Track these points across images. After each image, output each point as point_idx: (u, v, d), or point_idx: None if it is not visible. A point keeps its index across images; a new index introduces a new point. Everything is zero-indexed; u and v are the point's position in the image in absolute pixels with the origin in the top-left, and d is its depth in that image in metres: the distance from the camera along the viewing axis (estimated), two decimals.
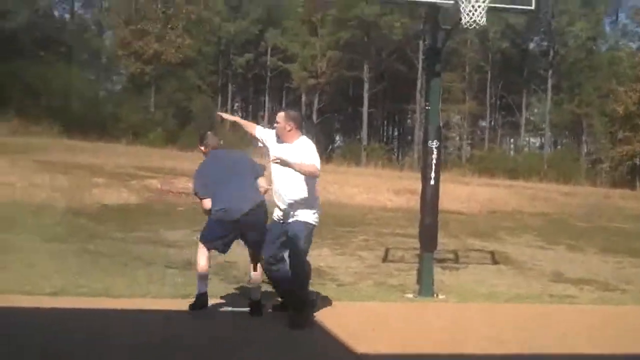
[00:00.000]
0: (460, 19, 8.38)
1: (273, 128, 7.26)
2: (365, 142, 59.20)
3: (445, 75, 55.19)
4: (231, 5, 62.02)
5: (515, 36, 65.14)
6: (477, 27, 8.48)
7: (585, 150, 67.64)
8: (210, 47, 59.64)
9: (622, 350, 6.46)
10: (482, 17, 8.38)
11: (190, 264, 10.07)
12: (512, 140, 74.33)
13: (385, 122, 74.78)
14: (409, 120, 70.31)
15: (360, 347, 5.93)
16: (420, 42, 55.28)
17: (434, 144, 8.81)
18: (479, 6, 8.31)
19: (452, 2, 8.47)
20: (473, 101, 64.06)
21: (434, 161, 8.80)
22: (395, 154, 66.15)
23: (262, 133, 7.41)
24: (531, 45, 68.42)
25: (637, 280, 11.37)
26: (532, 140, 73.25)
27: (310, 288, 7.28)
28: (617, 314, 8.39)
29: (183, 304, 7.00)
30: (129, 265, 9.63)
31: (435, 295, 8.67)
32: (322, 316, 6.96)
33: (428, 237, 8.86)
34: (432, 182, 8.80)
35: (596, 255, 14.41)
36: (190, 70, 54.52)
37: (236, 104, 72.95)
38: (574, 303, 8.99)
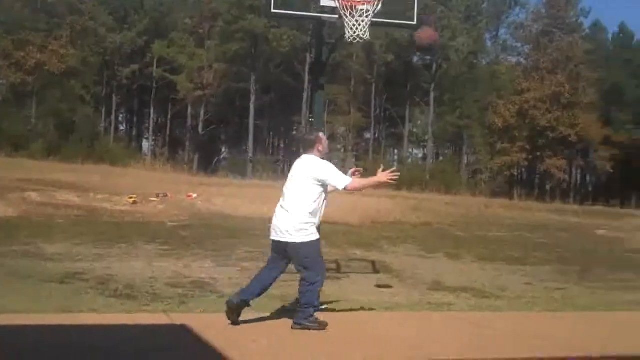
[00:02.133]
0: (345, 33, 8.56)
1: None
2: (251, 154, 59.21)
3: (331, 88, 56.10)
4: (117, 16, 61.09)
5: (399, 50, 66.31)
6: (361, 41, 8.70)
7: (466, 161, 69.54)
8: (95, 58, 58.54)
9: (488, 355, 6.69)
10: (365, 32, 8.58)
11: (69, 276, 9.93)
12: (395, 151, 75.74)
13: (272, 134, 75.00)
14: (295, 132, 70.66)
15: (241, 359, 5.95)
16: (308, 55, 55.70)
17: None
18: (362, 21, 8.52)
19: (336, 16, 8.62)
20: (358, 113, 64.96)
21: None
22: (282, 166, 66.34)
23: None
24: (415, 59, 69.81)
25: (512, 287, 11.80)
26: (415, 151, 74.72)
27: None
28: (489, 319, 8.66)
29: (55, 319, 6.85)
30: (2, 280, 9.37)
31: None
32: (203, 327, 6.95)
33: None
34: None
35: (474, 263, 14.86)
36: (74, 81, 53.40)
37: (121, 115, 71.85)
38: (451, 310, 9.25)
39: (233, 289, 9.88)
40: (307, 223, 7.15)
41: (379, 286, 10.85)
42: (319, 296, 7.31)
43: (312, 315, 7.20)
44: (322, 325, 7.21)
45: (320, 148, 7.45)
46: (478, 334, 7.61)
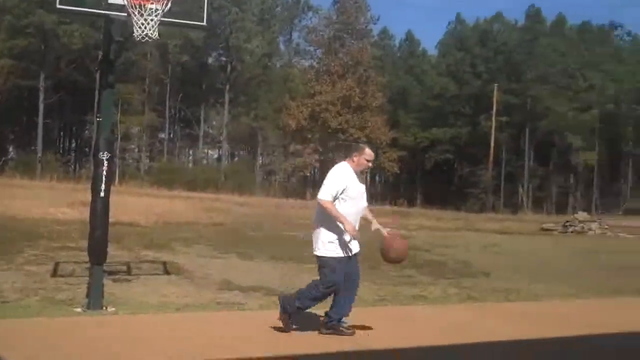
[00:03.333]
0: (133, 32, 8.45)
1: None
2: (40, 154, 56.95)
3: (125, 87, 54.99)
4: None
5: (194, 50, 66.15)
6: (150, 40, 8.60)
7: (260, 162, 70.37)
8: None
9: (279, 352, 6.85)
10: (154, 31, 8.50)
11: None
12: (190, 152, 75.44)
13: (62, 134, 72.57)
14: (87, 132, 68.79)
15: None
16: (100, 53, 54.25)
17: (104, 156, 8.75)
18: (151, 20, 8.43)
19: (125, 14, 8.49)
20: (152, 113, 64.15)
21: (105, 173, 8.75)
22: (72, 166, 64.36)
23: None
24: (210, 60, 69.85)
25: (300, 285, 12.07)
26: (210, 152, 74.79)
27: None
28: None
29: None
30: None
31: (104, 308, 8.62)
32: None
33: (97, 249, 8.78)
34: (102, 194, 8.73)
35: (266, 262, 15.06)
36: None
37: None
38: (241, 310, 9.35)
39: (17, 294, 9.51)
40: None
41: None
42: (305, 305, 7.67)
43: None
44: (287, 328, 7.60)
45: (355, 159, 7.58)
46: (266, 331, 7.75)
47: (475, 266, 16.77)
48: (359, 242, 7.61)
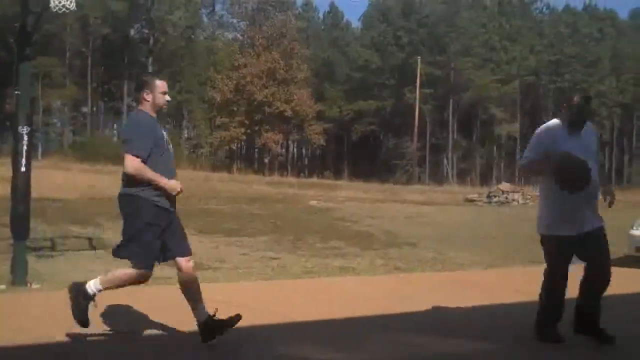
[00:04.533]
0: (50, 3, 8.28)
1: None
2: None
3: (46, 60, 53.71)
4: None
5: (116, 23, 64.94)
6: (67, 11, 8.44)
7: (187, 135, 69.78)
8: None
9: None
10: (71, 2, 8.34)
11: None
12: (115, 126, 74.29)
13: None
14: (8, 106, 67.03)
15: None
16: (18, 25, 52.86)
17: (24, 130, 8.58)
18: None
19: None
20: (74, 86, 62.90)
21: (25, 147, 8.59)
22: None
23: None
24: (132, 32, 68.71)
25: (229, 259, 12.08)
26: None
27: None
28: (208, 290, 8.81)
29: None
30: None
31: (29, 284, 8.48)
32: None
33: (20, 225, 8.64)
34: (24, 169, 8.57)
35: (193, 236, 14.93)
36: None
37: None
38: (168, 284, 9.30)
39: None
40: None
41: None
42: None
43: None
44: None
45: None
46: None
47: (401, 237, 17.01)
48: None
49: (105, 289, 5.89)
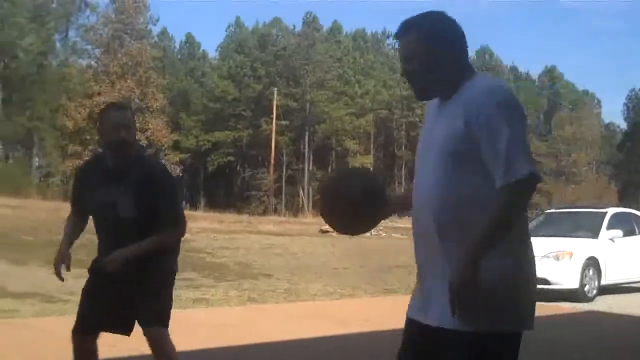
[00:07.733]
0: None
1: None
2: None
3: None
4: None
5: None
6: None
7: (37, 163, 67.60)
8: None
9: None
10: None
11: None
12: None
13: None
14: None
15: None
16: None
17: None
18: None
19: None
20: None
21: None
22: None
23: None
24: None
25: (78, 291, 11.81)
26: None
27: None
28: (55, 323, 8.63)
29: None
30: None
31: None
32: None
33: None
34: None
35: (41, 268, 14.55)
36: None
37: None
38: (15, 317, 9.04)
39: None
40: None
41: None
42: None
43: None
44: None
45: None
46: (40, 339, 7.56)
47: (256, 268, 17.11)
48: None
49: None
